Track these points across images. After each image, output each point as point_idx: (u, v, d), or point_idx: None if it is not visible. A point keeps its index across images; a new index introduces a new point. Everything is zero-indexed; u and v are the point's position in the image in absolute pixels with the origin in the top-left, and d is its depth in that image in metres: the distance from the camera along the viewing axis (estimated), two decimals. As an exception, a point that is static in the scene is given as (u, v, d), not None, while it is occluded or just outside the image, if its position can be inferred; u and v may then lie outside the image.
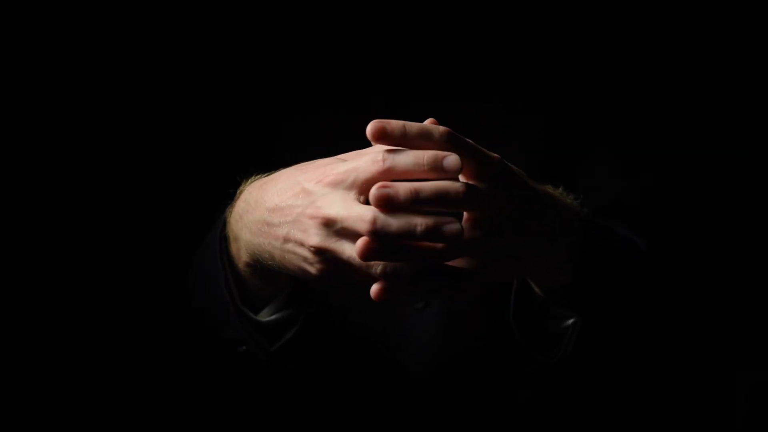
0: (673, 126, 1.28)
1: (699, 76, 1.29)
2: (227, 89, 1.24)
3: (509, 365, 1.25)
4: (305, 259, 0.96)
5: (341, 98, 1.22)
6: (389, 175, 0.92)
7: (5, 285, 1.26)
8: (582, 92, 1.26)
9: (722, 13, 1.28)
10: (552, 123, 1.25)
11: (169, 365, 1.24)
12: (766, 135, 1.31)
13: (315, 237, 0.93)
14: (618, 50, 1.26)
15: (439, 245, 0.91)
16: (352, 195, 0.93)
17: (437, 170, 0.92)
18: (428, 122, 0.93)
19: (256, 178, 1.05)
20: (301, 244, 0.95)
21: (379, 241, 0.90)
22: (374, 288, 0.93)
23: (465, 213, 0.95)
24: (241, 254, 1.07)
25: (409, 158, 0.92)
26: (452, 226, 0.90)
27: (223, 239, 1.10)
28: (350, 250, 0.92)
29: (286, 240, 0.97)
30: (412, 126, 0.92)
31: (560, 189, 1.06)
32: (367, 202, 0.94)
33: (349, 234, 0.92)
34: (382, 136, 0.91)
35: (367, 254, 0.90)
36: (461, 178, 0.96)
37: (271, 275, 1.06)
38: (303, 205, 0.95)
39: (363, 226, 0.90)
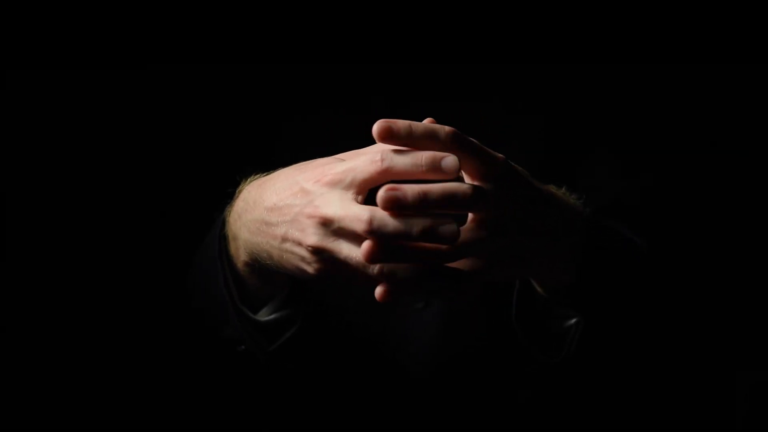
0: (673, 126, 1.28)
1: (699, 76, 1.29)
2: (227, 89, 1.24)
3: (509, 365, 1.25)
4: (303, 259, 0.96)
5: (341, 98, 1.22)
6: (387, 175, 0.92)
7: (5, 285, 1.26)
8: (582, 92, 1.26)
9: (722, 13, 1.28)
10: (552, 123, 1.24)
11: (169, 364, 1.24)
12: (766, 135, 1.31)
13: (312, 236, 0.93)
14: (618, 50, 1.25)
15: (444, 246, 0.91)
16: (349, 195, 0.93)
17: (435, 171, 0.92)
18: (427, 122, 0.93)
19: (255, 177, 1.06)
20: (299, 244, 0.95)
21: (379, 241, 0.90)
22: (378, 290, 0.93)
23: (470, 213, 0.96)
24: (240, 253, 1.07)
25: (407, 159, 0.92)
26: (449, 227, 0.90)
27: (222, 238, 1.10)
28: (347, 249, 0.93)
29: (284, 239, 0.97)
30: (418, 126, 0.92)
31: (563, 189, 1.06)
32: (365, 202, 0.94)
33: (346, 234, 0.92)
34: (388, 136, 0.91)
35: (372, 256, 0.90)
36: (466, 178, 0.96)
37: (269, 274, 1.06)
38: (301, 204, 0.95)
39: (360, 226, 0.90)
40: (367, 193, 0.95)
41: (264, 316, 1.12)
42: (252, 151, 1.20)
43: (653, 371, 1.29)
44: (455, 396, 1.25)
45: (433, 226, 0.89)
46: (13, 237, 1.27)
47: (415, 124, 0.92)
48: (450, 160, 0.92)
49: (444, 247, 0.91)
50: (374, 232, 0.90)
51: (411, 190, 0.89)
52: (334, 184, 0.93)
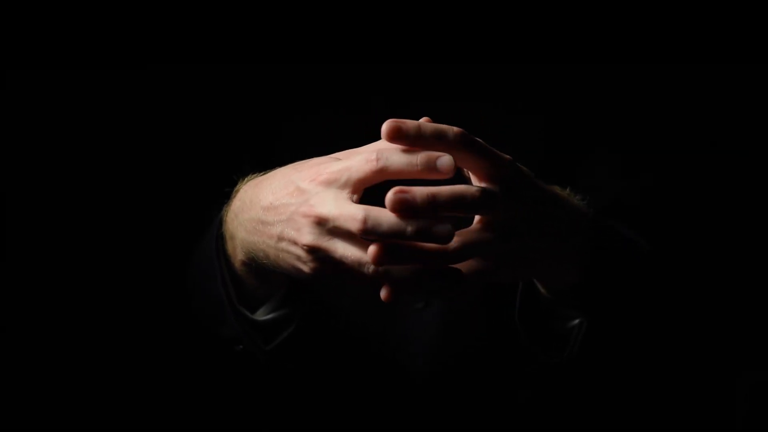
0: (673, 126, 1.28)
1: (699, 76, 1.28)
2: (227, 89, 1.24)
3: (509, 365, 1.25)
4: (298, 258, 0.96)
5: (341, 98, 1.23)
6: (382, 174, 0.92)
7: (5, 285, 1.26)
8: (582, 92, 1.25)
9: (722, 13, 1.28)
10: (552, 123, 1.24)
11: (167, 364, 1.24)
12: (766, 135, 1.31)
13: (308, 235, 0.93)
14: (618, 50, 1.25)
15: (450, 248, 0.91)
16: (345, 194, 0.93)
17: (431, 170, 0.92)
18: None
19: (252, 176, 1.06)
20: (295, 243, 0.95)
21: (385, 243, 0.90)
22: (383, 291, 0.93)
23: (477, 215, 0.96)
24: (237, 253, 1.07)
25: (402, 158, 0.92)
26: (443, 228, 0.89)
27: (219, 238, 1.11)
28: (343, 248, 0.93)
29: (280, 239, 0.97)
30: (427, 126, 0.91)
31: (567, 190, 1.06)
32: (363, 202, 0.94)
33: (341, 233, 0.92)
34: (397, 136, 0.91)
35: (378, 258, 0.90)
36: (473, 179, 0.96)
37: (266, 274, 1.07)
38: (297, 203, 0.95)
39: (354, 225, 0.90)
40: (363, 193, 0.95)
41: (261, 315, 1.12)
42: (252, 151, 1.21)
43: (654, 371, 1.29)
44: (455, 396, 1.25)
45: (428, 226, 0.89)
46: (13, 237, 1.27)
47: (423, 124, 0.91)
48: (445, 159, 0.92)
49: (450, 248, 0.91)
50: (369, 232, 0.90)
51: (420, 192, 0.89)
52: (329, 183, 0.93)
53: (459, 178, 0.96)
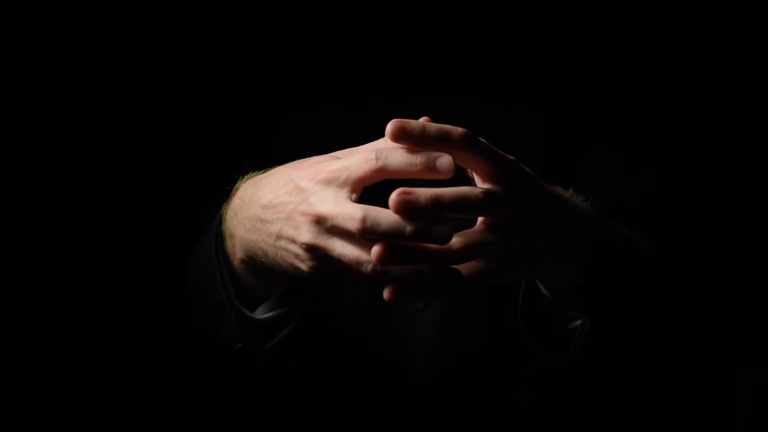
0: (673, 126, 1.28)
1: (699, 76, 1.28)
2: (228, 89, 1.25)
3: (510, 365, 1.25)
4: (297, 256, 0.96)
5: (341, 98, 1.23)
6: (382, 173, 0.92)
7: (4, 284, 1.26)
8: (582, 92, 1.26)
9: (722, 13, 1.28)
10: (552, 123, 1.24)
11: (167, 362, 1.24)
12: (766, 135, 1.31)
13: (306, 234, 0.93)
14: (618, 50, 1.25)
15: (454, 248, 0.91)
16: (344, 193, 0.93)
17: (430, 170, 0.92)
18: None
19: (252, 175, 1.06)
20: (293, 241, 0.95)
21: (389, 243, 0.90)
22: (386, 291, 0.93)
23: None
24: (236, 251, 1.07)
25: (402, 157, 0.92)
26: (441, 228, 0.89)
27: (219, 236, 1.11)
28: (341, 247, 0.92)
29: (279, 237, 0.97)
30: (432, 126, 0.91)
31: (570, 191, 1.06)
32: (362, 201, 0.94)
33: (339, 232, 0.92)
34: (402, 136, 0.91)
35: (383, 259, 0.90)
36: (476, 179, 0.96)
37: (265, 272, 1.07)
38: (295, 202, 0.95)
39: (353, 224, 0.90)
40: (362, 192, 0.95)
41: (261, 314, 1.13)
42: (252, 151, 1.21)
43: (654, 371, 1.29)
44: (455, 396, 1.25)
45: (427, 227, 0.89)
46: (12, 236, 1.27)
47: (428, 125, 0.91)
48: (445, 160, 0.92)
49: (454, 249, 0.91)
50: (367, 231, 0.90)
51: (423, 194, 0.89)
52: (328, 181, 0.93)
53: (460, 178, 0.96)
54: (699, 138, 1.29)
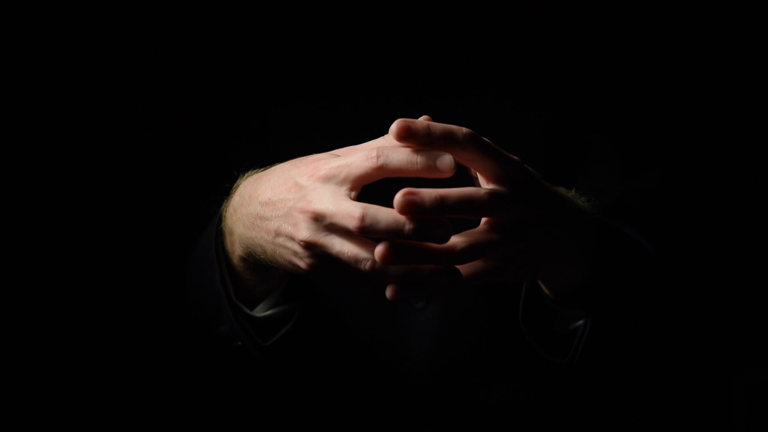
0: (674, 126, 1.28)
1: (699, 76, 1.28)
2: (228, 86, 1.25)
3: (510, 366, 1.25)
4: (295, 254, 0.96)
5: (341, 97, 1.23)
6: (382, 172, 0.92)
7: (4, 284, 1.27)
8: (582, 93, 1.26)
9: (722, 13, 1.28)
10: (552, 124, 1.24)
11: (166, 361, 1.24)
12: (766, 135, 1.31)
13: (305, 231, 0.93)
14: (618, 50, 1.25)
15: (457, 248, 0.91)
16: (343, 190, 0.93)
17: (430, 169, 0.91)
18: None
19: (252, 172, 1.06)
20: (292, 238, 0.95)
21: (393, 242, 0.90)
22: (388, 290, 0.93)
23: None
24: (235, 248, 1.07)
25: (402, 156, 0.92)
26: (440, 228, 0.89)
27: (219, 234, 1.11)
28: (339, 245, 0.92)
29: (277, 234, 0.97)
30: (437, 126, 0.91)
31: (572, 191, 1.06)
32: (360, 199, 0.94)
33: (338, 229, 0.92)
34: (407, 135, 0.90)
35: (387, 258, 0.90)
36: (480, 179, 0.96)
37: (264, 270, 1.06)
38: (294, 199, 0.95)
39: (351, 222, 0.90)
40: (361, 190, 0.95)
41: (260, 312, 1.13)
42: (252, 148, 1.21)
43: (655, 371, 1.29)
44: (455, 396, 1.25)
45: (425, 226, 0.89)
46: (12, 235, 1.27)
47: (433, 124, 0.91)
48: (445, 159, 0.91)
49: (458, 249, 0.91)
50: (366, 229, 0.90)
51: (428, 194, 0.89)
52: (327, 179, 0.93)
53: (460, 178, 0.96)
54: (700, 138, 1.29)
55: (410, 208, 0.88)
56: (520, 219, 0.94)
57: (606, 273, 1.06)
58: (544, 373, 1.24)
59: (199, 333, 1.18)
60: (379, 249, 0.90)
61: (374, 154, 0.92)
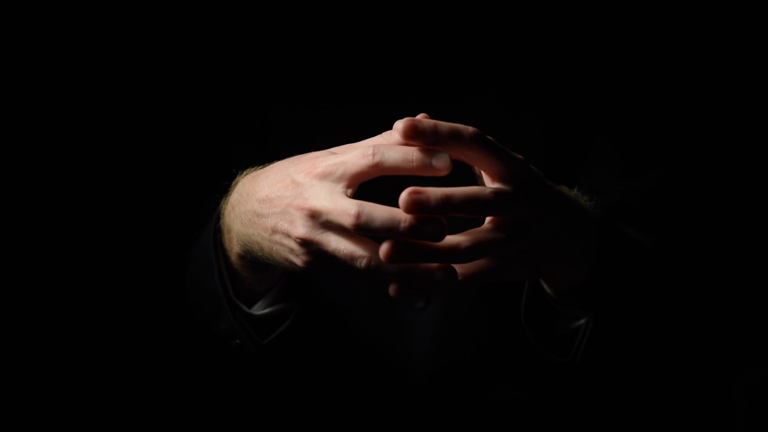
0: (675, 125, 1.28)
1: (699, 76, 1.28)
2: (229, 89, 1.25)
3: (510, 366, 1.25)
4: (291, 251, 0.96)
5: (341, 96, 1.23)
6: (378, 169, 0.92)
7: (4, 284, 1.27)
8: (582, 93, 1.26)
9: (722, 13, 1.28)
10: (552, 124, 1.25)
11: (165, 360, 1.25)
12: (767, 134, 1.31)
13: (301, 228, 0.93)
14: (618, 50, 1.26)
15: (462, 246, 0.91)
16: (339, 188, 0.93)
17: (426, 167, 0.91)
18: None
19: (251, 170, 1.06)
20: (288, 235, 0.95)
21: (396, 241, 0.90)
22: (390, 287, 0.93)
23: None
24: (233, 245, 1.07)
25: (398, 153, 0.92)
26: (436, 225, 0.89)
27: (217, 231, 1.11)
28: (335, 242, 0.92)
29: (274, 231, 0.97)
30: (443, 126, 0.91)
31: (575, 190, 1.06)
32: (357, 196, 0.94)
33: (334, 226, 0.92)
34: (413, 134, 0.90)
35: (391, 256, 0.90)
36: (484, 178, 0.96)
37: (262, 268, 1.07)
38: (291, 196, 0.95)
39: (347, 219, 0.90)
40: (358, 187, 0.95)
41: (258, 310, 1.13)
42: (251, 147, 1.21)
43: (656, 370, 1.29)
44: (455, 396, 1.25)
45: (421, 224, 0.89)
46: (11, 234, 1.27)
47: (440, 123, 0.91)
48: (441, 157, 0.91)
49: (462, 247, 0.91)
50: (361, 227, 0.90)
51: (434, 193, 0.89)
52: (324, 176, 0.93)
53: (456, 175, 0.96)
54: (701, 139, 1.29)
55: (416, 207, 0.88)
56: (524, 218, 0.94)
57: (608, 272, 1.06)
58: (544, 373, 1.24)
59: (198, 332, 1.18)
60: (384, 247, 0.90)
61: (370, 151, 0.92)
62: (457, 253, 0.91)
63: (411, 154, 0.91)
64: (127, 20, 1.26)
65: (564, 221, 0.98)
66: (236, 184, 1.07)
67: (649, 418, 1.31)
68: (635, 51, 1.26)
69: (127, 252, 1.25)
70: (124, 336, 1.25)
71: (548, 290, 1.10)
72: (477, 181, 0.98)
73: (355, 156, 0.92)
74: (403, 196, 0.88)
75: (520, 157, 0.95)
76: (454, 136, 0.91)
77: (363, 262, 0.92)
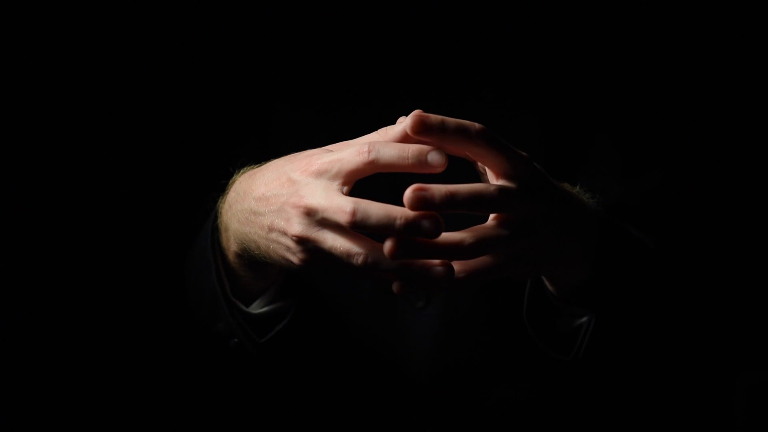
0: (675, 125, 1.28)
1: (700, 76, 1.28)
2: (230, 90, 1.25)
3: (511, 365, 1.25)
4: (288, 249, 0.96)
5: (340, 95, 1.23)
6: (373, 166, 0.92)
7: (4, 284, 1.27)
8: (582, 93, 1.26)
9: (722, 13, 1.28)
10: (552, 124, 1.25)
11: (164, 359, 1.25)
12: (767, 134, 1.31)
13: (297, 226, 0.93)
14: (618, 50, 1.26)
15: (465, 243, 0.91)
16: (335, 185, 0.93)
17: (421, 165, 0.91)
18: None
19: (248, 168, 1.06)
20: (284, 233, 0.95)
21: (400, 237, 0.90)
22: (395, 284, 0.93)
23: None
24: (231, 244, 1.08)
25: (393, 151, 0.92)
26: (432, 222, 0.89)
27: (215, 230, 1.11)
28: (332, 240, 0.92)
29: (270, 229, 0.97)
30: (450, 121, 0.91)
31: (577, 188, 1.06)
32: (354, 194, 0.94)
33: (330, 224, 0.92)
34: (422, 129, 0.90)
35: (395, 253, 0.90)
36: (489, 175, 0.96)
37: (259, 266, 1.07)
38: (287, 194, 0.95)
39: (343, 217, 0.90)
40: (354, 185, 0.95)
41: (256, 309, 1.13)
42: (249, 146, 1.22)
43: (657, 369, 1.29)
44: (455, 396, 1.25)
45: (417, 221, 0.89)
46: (12, 235, 1.27)
47: (447, 119, 0.91)
48: (436, 154, 0.91)
49: (465, 244, 0.91)
50: (357, 224, 0.90)
51: (438, 190, 0.89)
52: (320, 174, 0.93)
53: (452, 172, 0.96)
54: (701, 138, 1.29)
55: (420, 204, 0.89)
56: (528, 215, 0.94)
57: (610, 270, 1.06)
58: (544, 373, 1.24)
59: (198, 332, 1.18)
60: (388, 244, 0.90)
61: (366, 149, 0.92)
62: (460, 250, 0.91)
63: (406, 151, 0.91)
64: (128, 20, 1.26)
65: (566, 219, 0.98)
66: (233, 182, 1.07)
67: (650, 418, 1.30)
68: (635, 51, 1.26)
69: (126, 251, 1.25)
70: (124, 335, 1.25)
71: (550, 288, 1.10)
72: (480, 178, 0.98)
73: (350, 153, 0.93)
74: (408, 193, 0.89)
75: (525, 154, 0.95)
76: (461, 132, 0.91)
77: (359, 259, 0.92)
